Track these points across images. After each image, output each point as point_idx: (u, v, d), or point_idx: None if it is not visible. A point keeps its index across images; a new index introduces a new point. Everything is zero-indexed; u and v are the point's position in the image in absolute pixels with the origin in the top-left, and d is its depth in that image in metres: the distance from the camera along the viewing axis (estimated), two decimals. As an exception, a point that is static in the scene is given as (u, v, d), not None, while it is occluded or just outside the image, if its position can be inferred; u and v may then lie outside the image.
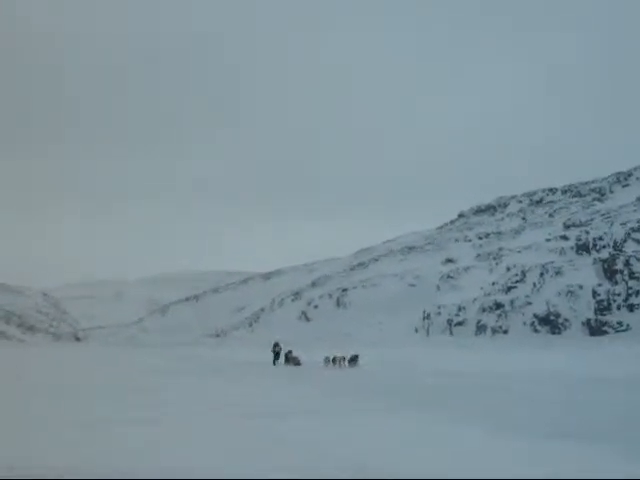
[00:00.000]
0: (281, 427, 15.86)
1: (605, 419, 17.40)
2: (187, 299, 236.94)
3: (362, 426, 16.18)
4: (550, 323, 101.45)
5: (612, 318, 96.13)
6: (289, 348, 49.98)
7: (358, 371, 40.02)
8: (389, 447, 13.17)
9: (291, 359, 47.13)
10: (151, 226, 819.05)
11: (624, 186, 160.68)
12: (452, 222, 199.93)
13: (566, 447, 12.94)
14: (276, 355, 48.36)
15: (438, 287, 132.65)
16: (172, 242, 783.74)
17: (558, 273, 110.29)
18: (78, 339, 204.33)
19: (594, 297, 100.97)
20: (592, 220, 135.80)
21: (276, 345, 49.17)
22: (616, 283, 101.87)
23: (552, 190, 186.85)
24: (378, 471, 10.84)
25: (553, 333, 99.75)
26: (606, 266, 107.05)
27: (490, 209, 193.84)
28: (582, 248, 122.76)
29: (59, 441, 13.67)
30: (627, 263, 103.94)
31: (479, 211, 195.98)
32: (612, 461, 11.70)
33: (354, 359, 44.06)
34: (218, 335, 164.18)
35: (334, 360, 43.57)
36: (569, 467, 11.20)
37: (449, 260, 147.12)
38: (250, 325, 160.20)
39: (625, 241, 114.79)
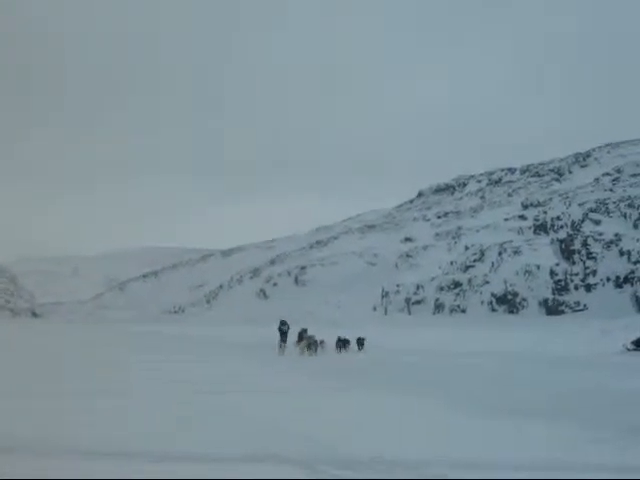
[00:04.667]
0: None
1: (567, 398, 17.42)
2: (145, 276, 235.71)
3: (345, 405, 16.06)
4: (508, 302, 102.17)
5: (569, 298, 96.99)
6: (303, 327, 40.77)
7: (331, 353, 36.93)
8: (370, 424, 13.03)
9: (306, 339, 37.61)
10: (108, 202, 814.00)
11: (582, 167, 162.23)
12: (411, 201, 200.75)
13: (536, 425, 12.85)
14: (283, 336, 39.16)
15: (397, 265, 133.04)
16: (130, 218, 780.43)
17: (516, 252, 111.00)
18: (36, 315, 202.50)
19: (552, 277, 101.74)
20: (550, 200, 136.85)
21: (284, 324, 39.81)
22: (573, 263, 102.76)
23: (511, 170, 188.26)
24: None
25: (510, 312, 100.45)
26: (564, 246, 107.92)
27: (449, 188, 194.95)
28: (540, 228, 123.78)
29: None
30: (584, 243, 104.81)
31: (438, 190, 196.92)
32: (581, 437, 11.65)
33: (360, 342, 38.72)
34: (176, 312, 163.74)
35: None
36: (546, 446, 11.10)
37: (408, 239, 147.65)
38: (208, 302, 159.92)
39: (583, 221, 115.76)
